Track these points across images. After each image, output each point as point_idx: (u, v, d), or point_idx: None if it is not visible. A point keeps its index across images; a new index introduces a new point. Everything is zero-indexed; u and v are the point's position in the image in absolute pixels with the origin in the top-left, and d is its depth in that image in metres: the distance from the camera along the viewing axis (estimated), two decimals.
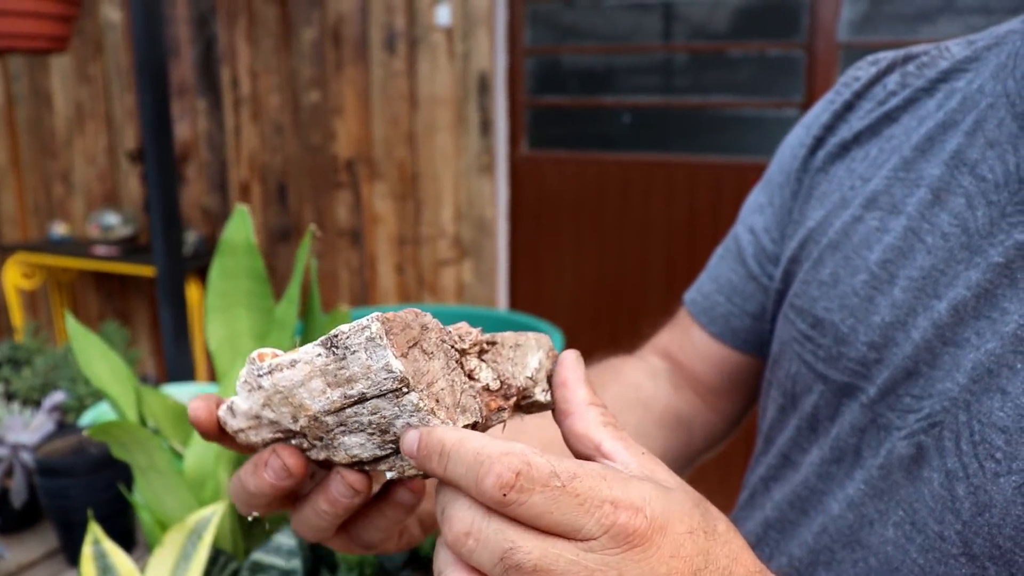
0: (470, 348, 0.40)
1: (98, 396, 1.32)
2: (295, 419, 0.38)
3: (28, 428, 1.11)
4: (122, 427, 0.64)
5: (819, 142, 0.68)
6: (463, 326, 0.40)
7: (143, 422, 0.76)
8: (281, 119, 3.20)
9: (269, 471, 0.40)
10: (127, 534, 1.03)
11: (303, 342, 0.73)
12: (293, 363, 0.37)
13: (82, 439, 1.05)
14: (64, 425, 1.19)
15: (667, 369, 0.78)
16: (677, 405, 0.76)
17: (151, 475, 0.70)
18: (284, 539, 0.73)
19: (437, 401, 0.36)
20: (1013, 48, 0.56)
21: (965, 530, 0.47)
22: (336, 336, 0.35)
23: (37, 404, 1.31)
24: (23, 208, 3.88)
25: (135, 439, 0.66)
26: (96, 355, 0.75)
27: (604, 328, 2.87)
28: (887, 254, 0.57)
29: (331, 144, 3.13)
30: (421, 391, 0.36)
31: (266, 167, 3.27)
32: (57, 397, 1.17)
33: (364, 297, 3.18)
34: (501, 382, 0.41)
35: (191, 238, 3.26)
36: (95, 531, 0.69)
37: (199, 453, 0.75)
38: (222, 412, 0.41)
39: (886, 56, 0.67)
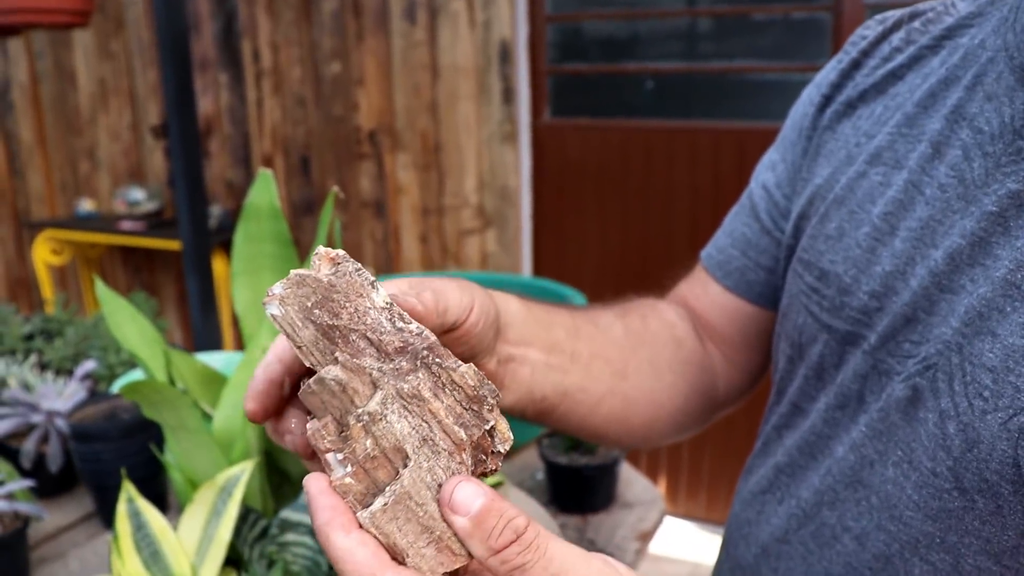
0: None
1: (128, 365, 1.34)
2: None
3: (62, 396, 1.13)
4: (152, 386, 0.65)
5: (827, 100, 0.69)
6: None
7: (172, 384, 0.77)
8: (303, 91, 3.20)
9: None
10: (159, 497, 1.05)
11: None
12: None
13: (114, 405, 1.07)
14: (96, 393, 1.20)
15: (690, 319, 0.79)
16: (702, 350, 0.78)
17: (181, 434, 0.71)
18: None
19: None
20: (1015, 2, 0.57)
21: (956, 466, 0.50)
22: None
23: (69, 373, 1.33)
24: (50, 185, 3.91)
25: (165, 399, 0.67)
26: (125, 319, 0.76)
27: (628, 295, 2.86)
28: (888, 207, 0.59)
29: (353, 115, 3.13)
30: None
31: (289, 139, 3.28)
32: (88, 366, 1.19)
33: (388, 268, 3.19)
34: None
35: (216, 212, 3.27)
36: (129, 489, 0.71)
37: (228, 413, 0.76)
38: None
39: (893, 14, 0.69)
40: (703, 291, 0.80)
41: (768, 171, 0.76)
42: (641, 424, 0.72)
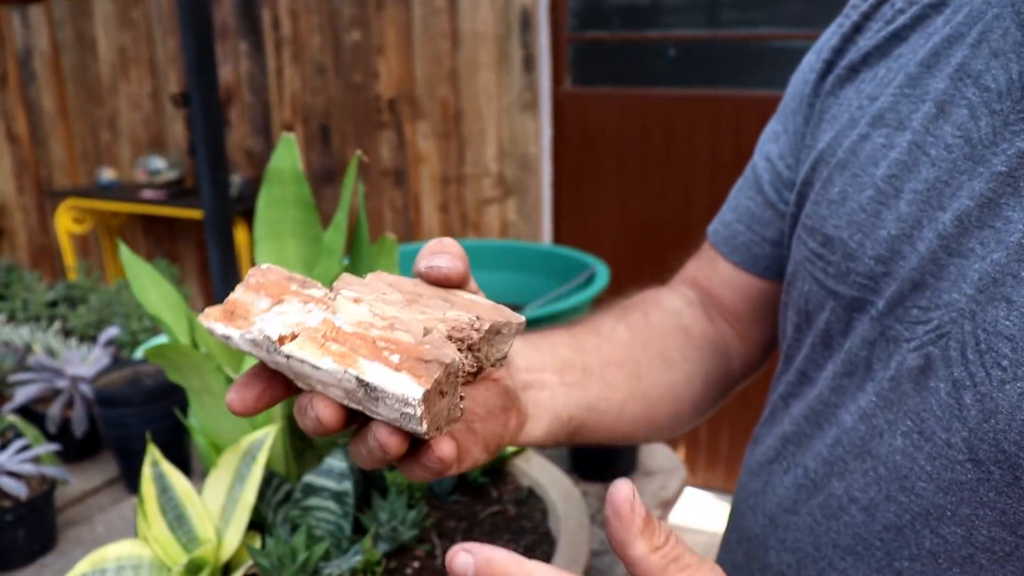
0: (469, 351, 0.41)
1: (151, 332, 1.35)
2: (297, 379, 0.39)
3: (86, 362, 1.13)
4: (177, 349, 0.65)
5: (829, 66, 0.68)
6: (467, 327, 0.41)
7: (196, 348, 0.77)
8: (323, 59, 3.19)
9: (308, 420, 0.41)
10: (183, 463, 1.05)
11: (351, 271, 0.73)
12: (317, 368, 0.37)
13: (137, 371, 1.07)
14: (119, 359, 1.21)
15: (699, 298, 0.79)
16: (713, 332, 0.77)
17: (205, 398, 0.71)
18: (336, 462, 0.74)
19: (437, 428, 0.39)
20: None
21: (971, 437, 0.49)
22: (377, 389, 0.36)
23: (93, 339, 1.34)
24: (72, 155, 3.93)
25: (190, 362, 0.67)
26: (149, 284, 0.76)
27: (648, 265, 2.85)
28: (892, 169, 0.57)
29: (373, 83, 3.12)
30: (429, 426, 0.38)
31: (308, 108, 3.27)
32: (112, 332, 1.20)
33: (409, 236, 3.19)
34: (479, 366, 0.42)
35: (236, 180, 3.28)
36: (154, 453, 0.71)
37: None
38: (213, 326, 0.40)
39: None
40: (711, 268, 0.79)
41: (771, 142, 0.75)
42: (665, 419, 0.73)
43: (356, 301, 0.40)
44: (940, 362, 0.51)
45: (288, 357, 0.37)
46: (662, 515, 1.03)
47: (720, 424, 2.86)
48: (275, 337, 0.37)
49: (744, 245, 0.75)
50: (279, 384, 0.42)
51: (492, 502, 0.84)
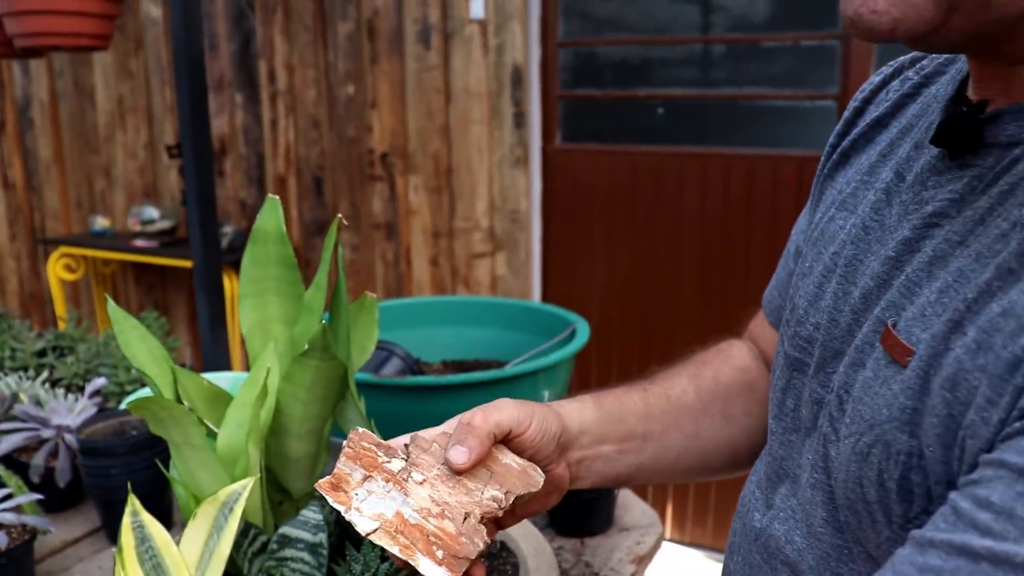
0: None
1: (138, 383, 1.36)
2: None
3: (72, 412, 1.15)
4: (159, 403, 0.67)
5: (833, 150, 0.73)
6: (495, 509, 0.59)
7: (179, 402, 0.79)
8: (317, 113, 3.24)
9: None
10: (165, 514, 1.06)
11: (332, 328, 0.75)
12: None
13: (123, 422, 1.09)
14: (104, 410, 1.23)
15: (760, 355, 0.85)
16: None
17: (186, 450, 0.73)
18: (311, 514, 0.75)
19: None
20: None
21: (834, 484, 0.56)
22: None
23: (80, 389, 1.36)
24: (66, 202, 3.96)
25: (172, 416, 0.69)
26: (135, 338, 0.78)
27: (637, 321, 2.88)
28: (836, 247, 0.63)
29: (366, 137, 3.16)
30: None
31: (302, 160, 3.31)
32: (99, 383, 1.21)
33: (399, 290, 3.22)
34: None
35: (229, 231, 3.31)
36: (134, 503, 0.72)
37: (231, 432, 0.78)
38: (327, 496, 0.59)
39: (898, 61, 0.71)
40: (762, 329, 0.86)
41: (803, 217, 0.81)
42: (722, 466, 0.81)
43: (421, 484, 0.57)
44: (824, 419, 0.58)
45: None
46: (636, 571, 1.05)
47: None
48: (363, 531, 0.56)
49: (777, 309, 0.81)
50: None
51: None
